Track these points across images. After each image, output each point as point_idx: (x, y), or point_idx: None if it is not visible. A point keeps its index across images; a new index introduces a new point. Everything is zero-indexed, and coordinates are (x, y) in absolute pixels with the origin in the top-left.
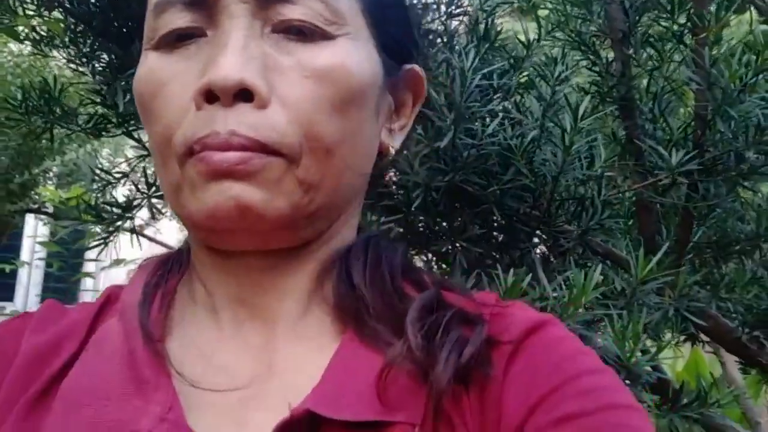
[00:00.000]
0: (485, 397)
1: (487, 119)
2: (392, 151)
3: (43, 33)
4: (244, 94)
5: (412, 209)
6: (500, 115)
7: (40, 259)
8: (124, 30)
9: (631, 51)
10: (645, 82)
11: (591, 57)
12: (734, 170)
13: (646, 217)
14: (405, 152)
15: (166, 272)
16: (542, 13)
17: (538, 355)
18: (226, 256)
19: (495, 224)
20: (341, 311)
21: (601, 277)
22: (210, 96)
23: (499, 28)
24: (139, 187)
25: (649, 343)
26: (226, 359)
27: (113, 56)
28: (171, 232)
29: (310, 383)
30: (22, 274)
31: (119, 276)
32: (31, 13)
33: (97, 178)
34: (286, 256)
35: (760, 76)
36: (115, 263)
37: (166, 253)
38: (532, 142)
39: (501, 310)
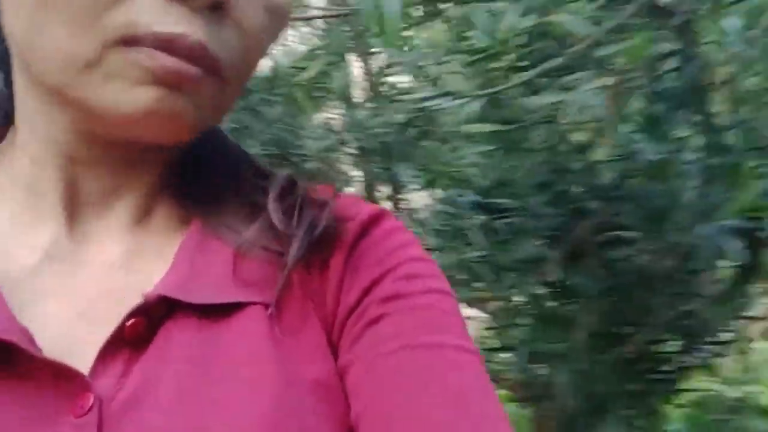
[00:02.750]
0: (330, 278)
1: None
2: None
3: None
4: (215, 4)
5: None
6: None
7: None
8: None
9: None
10: None
11: None
12: None
13: None
14: None
15: None
16: None
17: (374, 244)
18: (107, 148)
19: None
20: (190, 201)
21: None
22: None
23: None
24: None
25: None
26: (73, 251)
27: None
28: None
29: (162, 272)
30: None
31: None
32: None
33: None
34: (148, 152)
35: None
36: None
37: None
38: None
39: (341, 200)
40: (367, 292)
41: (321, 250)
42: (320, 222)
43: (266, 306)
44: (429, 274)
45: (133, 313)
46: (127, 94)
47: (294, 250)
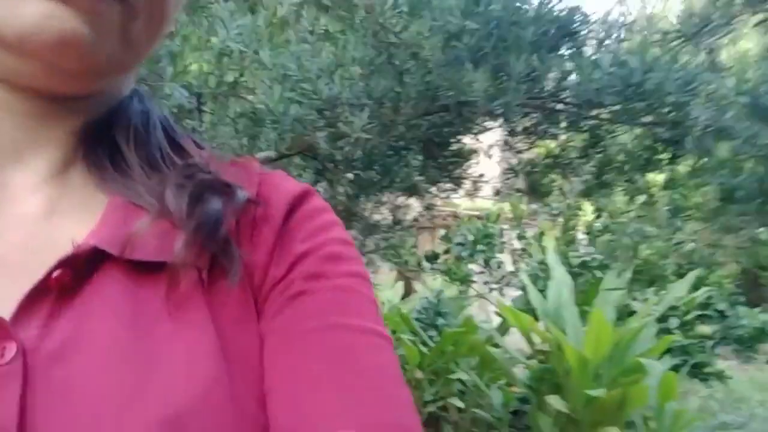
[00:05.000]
0: (260, 250)
1: None
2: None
3: None
4: None
5: None
6: None
7: None
8: None
9: None
10: None
11: None
12: None
13: None
14: None
15: None
16: None
17: (303, 221)
18: (18, 94)
19: None
20: (103, 170)
21: None
22: None
23: None
24: None
25: None
26: None
27: None
28: None
29: (85, 227)
30: None
31: None
32: None
33: None
34: (62, 103)
35: None
36: None
37: None
38: None
39: (267, 177)
40: (292, 267)
41: (246, 225)
42: (215, 215)
43: (199, 270)
44: (351, 256)
45: (63, 263)
46: (16, 9)
47: (179, 245)
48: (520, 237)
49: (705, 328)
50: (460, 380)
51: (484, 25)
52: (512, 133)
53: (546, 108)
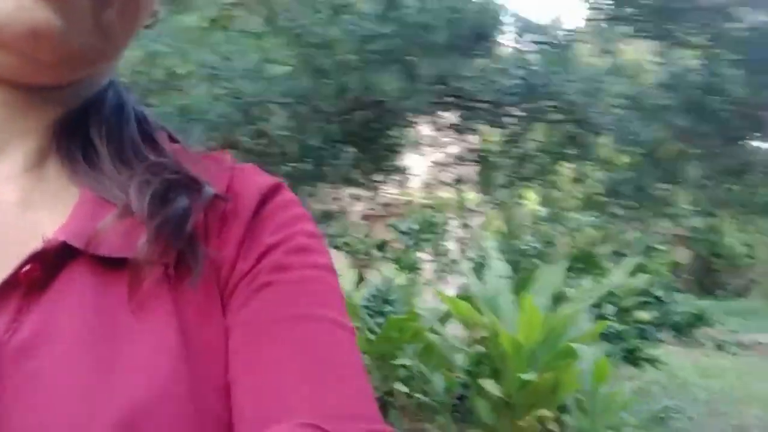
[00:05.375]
0: (229, 243)
1: None
2: (159, 15)
3: None
4: None
5: None
6: None
7: None
8: None
9: None
10: None
11: None
12: None
13: None
14: None
15: None
16: None
17: (272, 214)
18: None
19: None
20: (75, 164)
21: None
22: None
23: None
24: None
25: None
26: None
27: None
28: None
29: (58, 220)
30: None
31: None
32: None
33: None
34: (38, 93)
35: None
36: None
37: None
38: None
39: (238, 171)
40: (259, 259)
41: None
42: (180, 213)
43: (165, 265)
44: (318, 249)
45: (31, 258)
46: None
47: (142, 241)
48: (465, 226)
49: (644, 314)
50: (404, 366)
51: (398, 29)
52: (438, 128)
53: (467, 106)
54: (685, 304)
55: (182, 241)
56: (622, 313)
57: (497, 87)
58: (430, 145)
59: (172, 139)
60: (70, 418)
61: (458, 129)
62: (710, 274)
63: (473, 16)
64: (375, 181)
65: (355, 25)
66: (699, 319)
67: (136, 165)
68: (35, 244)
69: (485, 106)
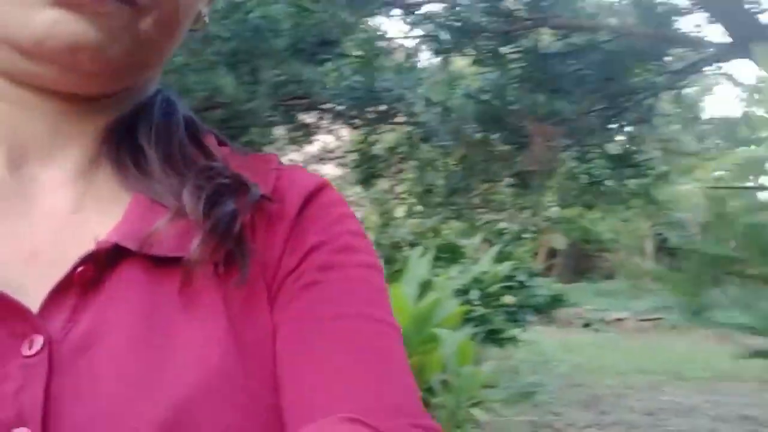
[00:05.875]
0: (275, 242)
1: None
2: (206, 20)
3: None
4: None
5: None
6: None
7: None
8: None
9: None
10: None
11: None
12: None
13: None
14: None
15: None
16: None
17: (317, 213)
18: (31, 92)
19: None
20: (125, 169)
21: None
22: None
23: None
24: None
25: None
26: (19, 193)
27: None
28: None
29: (110, 223)
30: None
31: None
32: None
33: None
34: (84, 103)
35: None
36: None
37: None
38: None
39: (284, 171)
40: (305, 257)
41: (262, 217)
42: (230, 215)
43: (215, 264)
44: (363, 248)
45: (85, 259)
46: (27, 18)
47: (195, 243)
48: None
49: (509, 298)
50: None
51: (241, 33)
52: (295, 128)
53: (320, 108)
54: (545, 287)
55: (231, 241)
56: (489, 297)
57: (338, 92)
58: (290, 145)
59: (220, 142)
60: (122, 410)
61: (310, 131)
62: (583, 258)
63: (320, 23)
64: None
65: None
66: (558, 301)
67: (185, 169)
68: (88, 247)
69: (332, 108)
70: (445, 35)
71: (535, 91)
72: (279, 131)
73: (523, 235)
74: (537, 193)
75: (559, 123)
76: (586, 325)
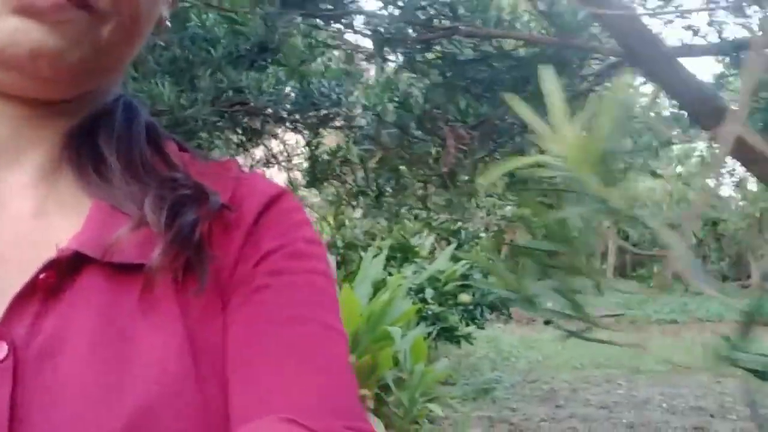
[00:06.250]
0: (230, 249)
1: None
2: (167, 24)
3: None
4: None
5: None
6: None
7: None
8: None
9: None
10: None
11: None
12: None
13: None
14: None
15: None
16: None
17: (274, 221)
18: (3, 100)
19: None
20: (86, 175)
21: None
22: None
23: None
24: None
25: None
26: None
27: None
28: None
29: (71, 229)
30: None
31: None
32: None
33: None
34: (47, 107)
35: None
36: None
37: None
38: None
39: (244, 179)
40: (258, 263)
41: (219, 225)
42: (190, 225)
43: (174, 271)
44: (315, 255)
45: (47, 266)
46: None
47: (157, 251)
48: None
49: (465, 297)
50: None
51: (179, 42)
52: (242, 133)
53: (262, 114)
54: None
55: (191, 250)
56: (444, 296)
57: (275, 98)
58: (236, 149)
59: (181, 148)
60: (84, 415)
61: (254, 136)
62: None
63: (254, 32)
64: None
65: None
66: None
67: (146, 177)
68: (50, 252)
69: (273, 113)
70: (368, 43)
71: (453, 96)
72: (225, 136)
73: (480, 234)
74: (465, 194)
75: (478, 126)
76: (547, 323)
